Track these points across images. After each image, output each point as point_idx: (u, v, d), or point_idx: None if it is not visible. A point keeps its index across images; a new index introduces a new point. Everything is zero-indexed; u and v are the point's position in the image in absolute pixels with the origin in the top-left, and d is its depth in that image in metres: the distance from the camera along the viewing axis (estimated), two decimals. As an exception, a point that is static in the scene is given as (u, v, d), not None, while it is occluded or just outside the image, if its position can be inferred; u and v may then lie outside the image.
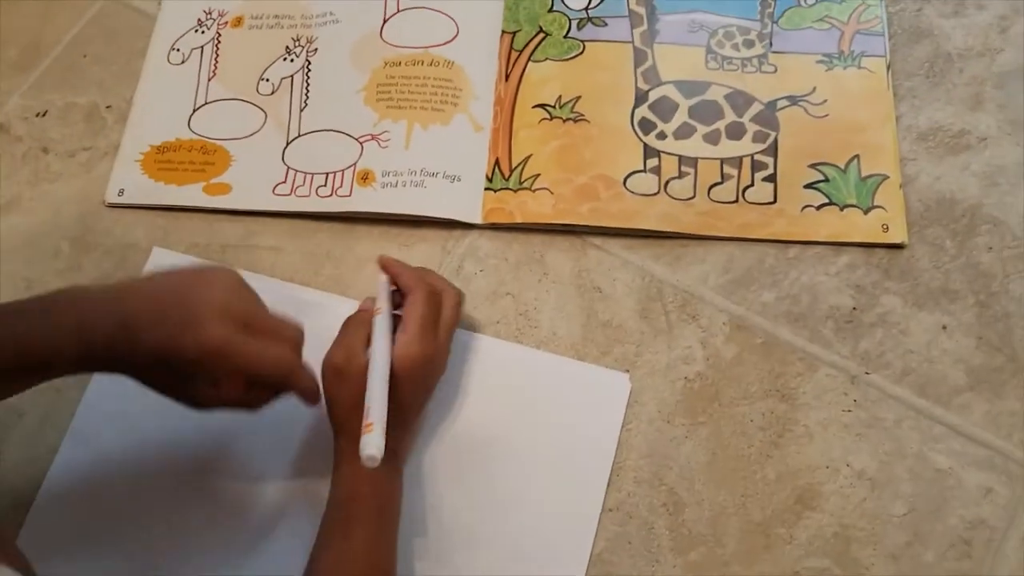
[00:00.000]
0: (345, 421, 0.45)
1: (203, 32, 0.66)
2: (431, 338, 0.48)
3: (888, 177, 0.58)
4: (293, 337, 0.44)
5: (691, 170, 0.58)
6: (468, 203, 0.58)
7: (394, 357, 0.46)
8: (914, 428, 0.52)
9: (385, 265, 0.51)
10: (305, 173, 0.60)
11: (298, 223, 0.59)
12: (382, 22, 0.65)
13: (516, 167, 0.59)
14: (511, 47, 0.63)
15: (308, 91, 0.63)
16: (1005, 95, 0.60)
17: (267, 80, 0.64)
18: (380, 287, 0.51)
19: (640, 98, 0.61)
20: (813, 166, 0.58)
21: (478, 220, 0.58)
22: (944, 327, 0.54)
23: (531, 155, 0.59)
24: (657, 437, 0.52)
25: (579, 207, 0.58)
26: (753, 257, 0.57)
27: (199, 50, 0.65)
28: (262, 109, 0.63)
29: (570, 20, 0.63)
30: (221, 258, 0.58)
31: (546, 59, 0.62)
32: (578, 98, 0.61)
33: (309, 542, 0.45)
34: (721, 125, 0.60)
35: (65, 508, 0.51)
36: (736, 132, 0.59)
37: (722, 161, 0.59)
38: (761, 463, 0.51)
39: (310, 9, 0.66)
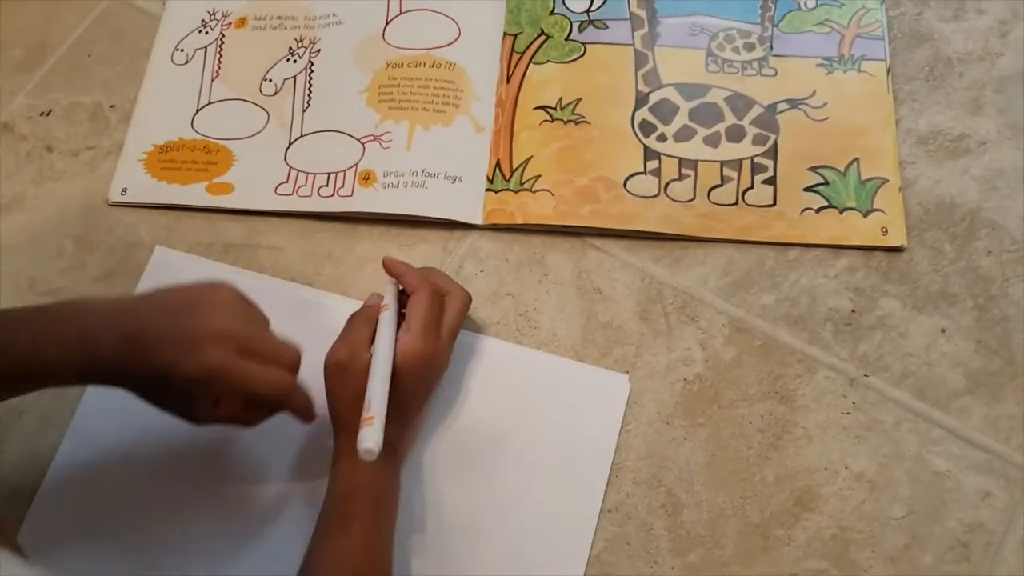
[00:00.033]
0: (346, 416, 0.46)
1: (207, 33, 0.66)
2: (433, 337, 0.48)
3: (888, 180, 0.58)
4: (290, 359, 0.45)
5: (691, 172, 0.59)
6: (469, 204, 0.59)
7: (396, 354, 0.46)
8: (913, 431, 0.52)
9: (389, 266, 0.52)
10: (307, 173, 0.60)
11: (300, 223, 0.60)
12: (384, 24, 0.65)
13: (517, 168, 0.59)
14: (512, 49, 0.63)
15: (311, 92, 0.63)
16: (1005, 99, 0.60)
17: (270, 80, 0.64)
18: (387, 285, 0.52)
19: (641, 100, 0.61)
20: (813, 169, 0.59)
21: (479, 221, 0.58)
22: (943, 330, 0.54)
23: (532, 156, 0.60)
24: (656, 438, 0.52)
25: (579, 208, 0.58)
26: (753, 259, 0.57)
27: (203, 50, 0.66)
28: (265, 109, 0.63)
29: (571, 23, 0.64)
30: (223, 257, 0.59)
31: (547, 61, 0.63)
32: (579, 100, 0.61)
33: (307, 535, 0.45)
34: (721, 128, 0.60)
35: (65, 504, 0.51)
36: (736, 135, 0.60)
37: (722, 164, 0.59)
38: (760, 465, 0.51)
39: (313, 10, 0.66)
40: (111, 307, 0.43)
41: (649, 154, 0.59)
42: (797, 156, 0.59)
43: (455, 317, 0.50)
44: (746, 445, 0.52)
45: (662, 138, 0.60)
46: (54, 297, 0.58)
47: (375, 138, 0.61)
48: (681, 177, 0.59)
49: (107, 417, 0.53)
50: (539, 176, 0.59)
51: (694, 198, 0.58)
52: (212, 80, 0.64)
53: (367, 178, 0.60)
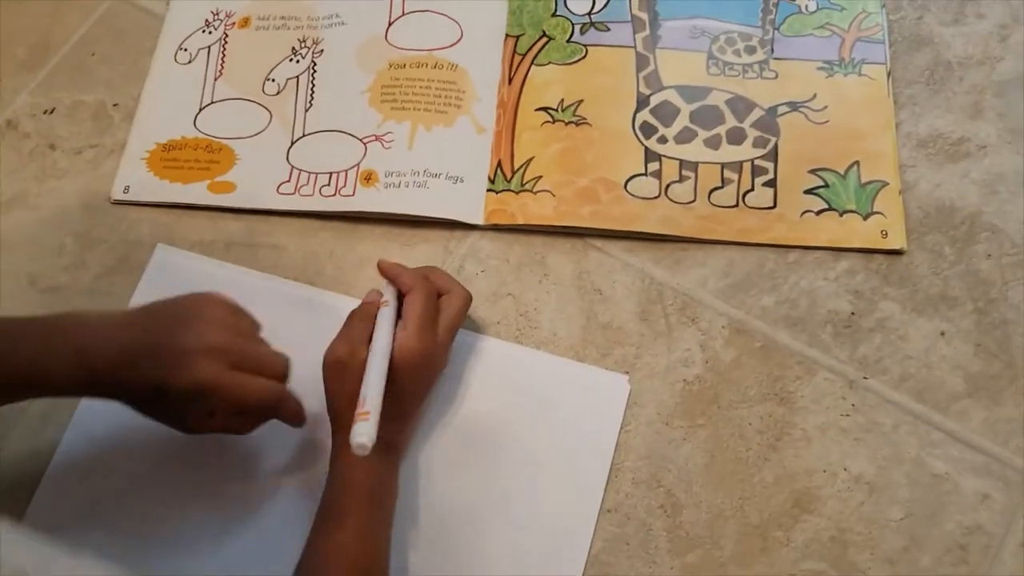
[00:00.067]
0: (344, 413, 0.46)
1: (210, 32, 0.66)
2: (429, 334, 0.48)
3: (888, 184, 0.58)
4: (279, 368, 0.47)
5: (692, 174, 0.59)
6: (470, 204, 0.59)
7: (393, 352, 0.47)
8: (912, 433, 0.52)
9: (383, 269, 0.52)
10: (309, 173, 0.61)
11: (301, 222, 0.60)
12: (387, 24, 0.65)
13: (518, 169, 0.60)
14: (514, 51, 0.63)
15: (313, 92, 0.63)
16: (1005, 104, 0.60)
17: (273, 80, 0.64)
18: (387, 283, 0.52)
19: (642, 102, 0.61)
20: (813, 172, 0.59)
21: (480, 221, 0.58)
22: (942, 333, 0.54)
23: (533, 157, 0.60)
24: (656, 439, 0.52)
25: (580, 209, 0.58)
26: (753, 261, 0.57)
27: (206, 50, 0.66)
28: (267, 109, 0.63)
29: (573, 25, 0.64)
30: (224, 256, 0.59)
31: (549, 63, 0.63)
32: (580, 102, 0.61)
33: (306, 530, 0.45)
34: (722, 130, 0.60)
35: (66, 500, 0.51)
36: (737, 137, 0.60)
37: (723, 166, 0.59)
38: (759, 466, 0.51)
39: (316, 11, 0.66)
40: (108, 321, 0.44)
41: (650, 156, 0.59)
42: (797, 159, 0.59)
43: (454, 315, 0.51)
44: (745, 446, 0.52)
45: (663, 140, 0.60)
46: (55, 294, 0.58)
47: (377, 138, 0.61)
48: (682, 179, 0.59)
49: (108, 414, 0.52)
50: (540, 177, 0.59)
51: (694, 200, 0.58)
52: (215, 79, 0.65)
53: (369, 178, 0.60)
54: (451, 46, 0.64)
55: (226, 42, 0.66)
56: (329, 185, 0.60)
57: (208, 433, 0.47)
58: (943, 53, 0.62)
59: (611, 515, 0.50)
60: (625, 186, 0.58)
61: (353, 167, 0.60)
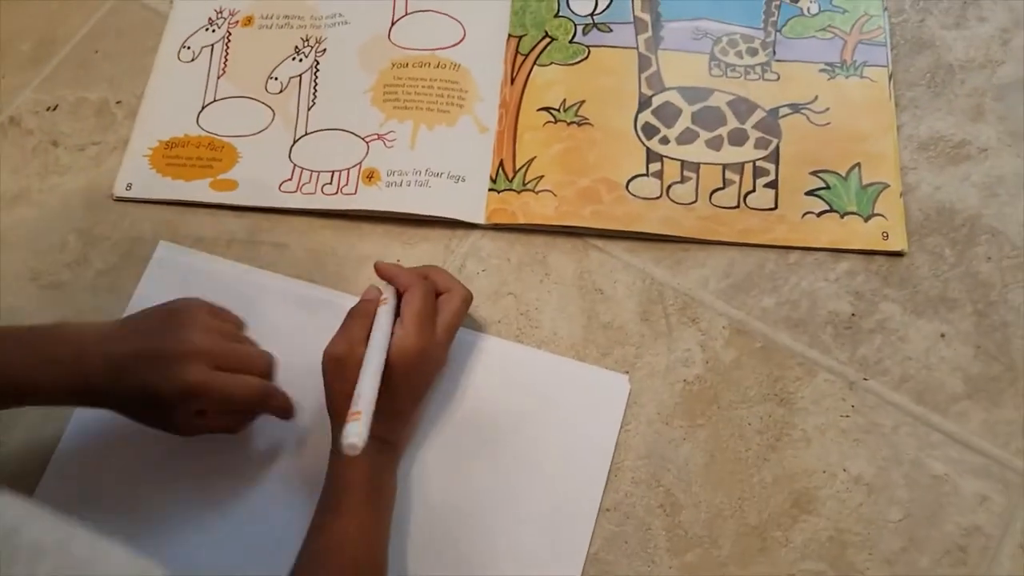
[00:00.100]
0: (343, 410, 0.46)
1: (214, 31, 0.67)
2: (427, 332, 0.48)
3: (889, 186, 0.58)
4: (263, 365, 0.49)
5: (693, 175, 0.59)
6: (472, 203, 0.59)
7: (390, 349, 0.47)
8: (911, 435, 0.52)
9: (380, 271, 0.52)
10: (311, 171, 0.61)
11: (303, 220, 0.60)
12: (390, 24, 0.66)
13: (520, 169, 0.60)
14: (517, 51, 0.64)
15: (316, 90, 0.64)
16: (1005, 107, 0.60)
17: (276, 79, 0.64)
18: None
19: (644, 103, 0.61)
20: (814, 173, 0.59)
21: (481, 220, 0.59)
22: (942, 335, 0.54)
23: (535, 157, 0.60)
24: (656, 438, 0.52)
25: (581, 209, 0.58)
26: (753, 262, 0.57)
27: (209, 48, 0.66)
28: (270, 107, 0.63)
29: (576, 25, 0.64)
30: (226, 253, 0.59)
31: (551, 63, 0.63)
32: (582, 102, 0.61)
33: (305, 525, 0.46)
34: (723, 131, 0.60)
35: (67, 495, 0.51)
36: (738, 138, 0.60)
37: (724, 167, 0.59)
38: (758, 466, 0.51)
39: (319, 10, 0.67)
40: (97, 332, 0.46)
41: (651, 156, 0.60)
42: (799, 160, 0.59)
43: (453, 314, 0.51)
44: (745, 446, 0.52)
45: (664, 141, 0.60)
46: (58, 290, 0.59)
47: (379, 137, 0.61)
48: (683, 180, 0.59)
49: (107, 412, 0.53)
50: (542, 177, 0.59)
51: (696, 201, 0.58)
52: (218, 77, 0.65)
53: (371, 177, 0.60)
54: (454, 46, 0.64)
55: (229, 40, 0.66)
56: (331, 183, 0.60)
57: (201, 434, 0.48)
58: (944, 56, 0.62)
59: (610, 514, 0.50)
60: (627, 186, 0.59)
61: (355, 166, 0.61)
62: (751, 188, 0.59)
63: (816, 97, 0.61)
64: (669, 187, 0.59)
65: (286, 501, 0.50)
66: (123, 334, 0.46)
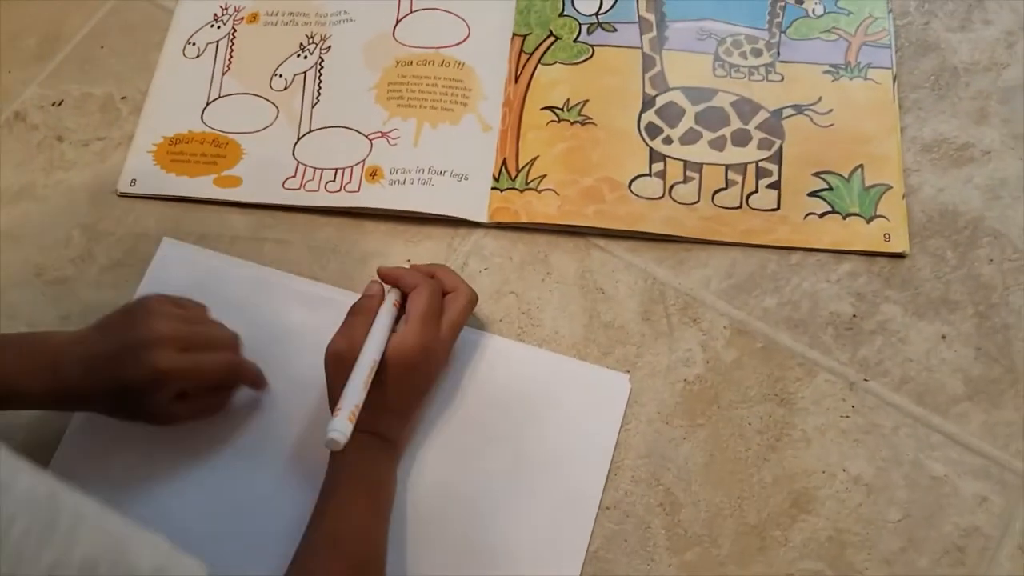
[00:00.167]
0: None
1: (219, 27, 0.67)
2: (431, 330, 0.49)
3: (891, 187, 0.58)
4: (228, 339, 0.51)
5: (696, 175, 0.59)
6: (474, 202, 0.59)
7: (389, 347, 0.47)
8: (911, 436, 0.52)
9: (383, 275, 0.52)
10: (315, 168, 0.61)
11: (306, 217, 0.60)
12: (395, 22, 0.66)
13: (523, 168, 0.60)
14: (521, 50, 0.64)
15: (320, 88, 0.64)
16: (1009, 110, 0.60)
17: (280, 76, 0.64)
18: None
19: (647, 103, 0.61)
20: (817, 174, 0.59)
21: (484, 219, 0.59)
22: (943, 337, 0.54)
23: (538, 156, 0.60)
24: (656, 438, 0.52)
25: (584, 209, 0.58)
26: (755, 263, 0.57)
27: (214, 44, 0.66)
28: (274, 104, 0.64)
29: (580, 25, 0.64)
30: (229, 250, 0.59)
31: (555, 62, 0.63)
32: (586, 101, 0.61)
33: (304, 521, 0.46)
34: (727, 132, 0.60)
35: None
36: (742, 139, 0.60)
37: (727, 167, 0.59)
38: (758, 466, 0.52)
39: (324, 8, 0.67)
40: (72, 337, 0.48)
41: (654, 156, 0.60)
42: (802, 161, 0.59)
43: (458, 313, 0.51)
44: (745, 446, 0.52)
45: (668, 141, 0.60)
46: (62, 285, 0.59)
47: (383, 135, 0.62)
48: (686, 180, 0.59)
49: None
50: (544, 176, 0.59)
51: (698, 201, 0.58)
52: (223, 74, 0.65)
53: (374, 174, 0.60)
54: (458, 44, 0.64)
55: (234, 37, 0.66)
56: (334, 181, 0.60)
57: (185, 420, 0.49)
58: (949, 59, 0.62)
59: (610, 512, 0.51)
60: (629, 186, 0.59)
61: (359, 163, 0.61)
62: (754, 189, 0.59)
63: (820, 98, 0.61)
64: (672, 187, 0.59)
65: (288, 496, 0.50)
66: (93, 337, 0.48)
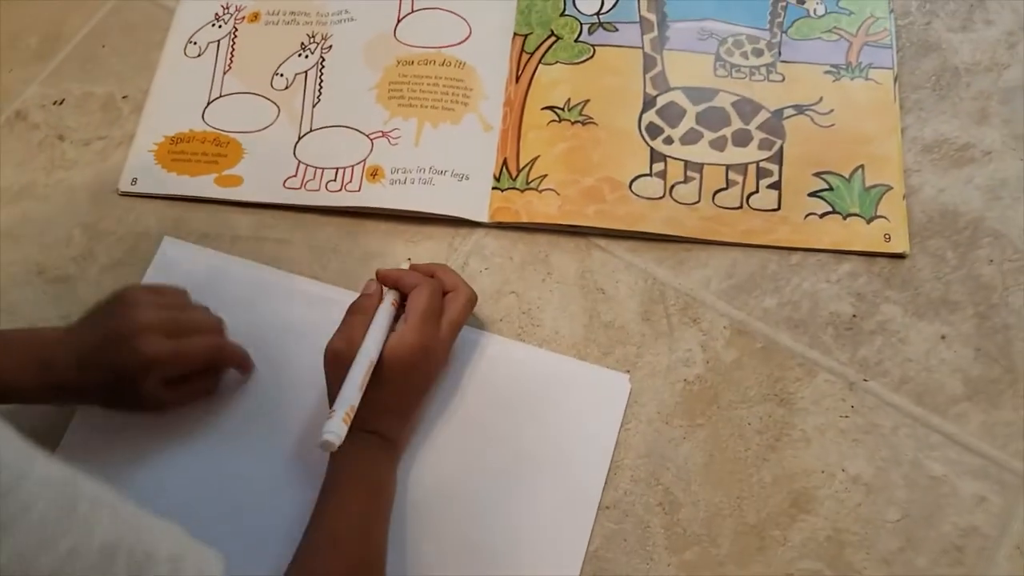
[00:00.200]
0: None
1: (220, 26, 0.67)
2: (430, 330, 0.49)
3: (892, 188, 0.58)
4: (213, 323, 0.52)
5: (696, 175, 0.59)
6: (475, 202, 0.59)
7: (387, 346, 0.47)
8: (910, 436, 0.52)
9: (383, 278, 0.52)
10: (316, 168, 0.61)
11: (307, 217, 0.60)
12: (396, 21, 0.66)
13: (524, 167, 0.60)
14: (522, 49, 0.64)
15: (321, 87, 0.64)
16: (1010, 110, 0.60)
17: (281, 75, 0.64)
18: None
19: (648, 103, 0.61)
20: (818, 175, 0.59)
21: (485, 219, 0.59)
22: (943, 337, 0.55)
23: (539, 156, 0.60)
24: (655, 437, 0.53)
25: (585, 209, 0.58)
26: (755, 263, 0.57)
27: (215, 44, 0.66)
28: (275, 103, 0.64)
29: (581, 24, 0.64)
30: (230, 249, 0.59)
31: (556, 62, 0.63)
32: (587, 101, 0.61)
33: (305, 520, 0.46)
34: (728, 132, 0.60)
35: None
36: (742, 139, 0.60)
37: (727, 167, 0.59)
38: (758, 466, 0.52)
39: (326, 7, 0.67)
40: (60, 333, 0.49)
41: (655, 156, 0.60)
42: (802, 161, 0.59)
43: (458, 313, 0.51)
44: (744, 446, 0.52)
45: (668, 141, 0.60)
46: (63, 284, 0.59)
47: (384, 134, 0.62)
48: (686, 180, 0.59)
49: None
50: (545, 176, 0.59)
51: (699, 201, 0.58)
52: (224, 73, 0.65)
53: (375, 174, 0.60)
54: (459, 44, 0.64)
55: (235, 36, 0.66)
56: (335, 180, 0.60)
57: (174, 406, 0.50)
58: (950, 59, 0.62)
59: (609, 512, 0.51)
60: (630, 186, 0.59)
61: (359, 163, 0.61)
62: (754, 189, 0.59)
63: (821, 99, 0.61)
64: (672, 187, 0.59)
65: (288, 496, 0.51)
66: (82, 331, 0.49)
